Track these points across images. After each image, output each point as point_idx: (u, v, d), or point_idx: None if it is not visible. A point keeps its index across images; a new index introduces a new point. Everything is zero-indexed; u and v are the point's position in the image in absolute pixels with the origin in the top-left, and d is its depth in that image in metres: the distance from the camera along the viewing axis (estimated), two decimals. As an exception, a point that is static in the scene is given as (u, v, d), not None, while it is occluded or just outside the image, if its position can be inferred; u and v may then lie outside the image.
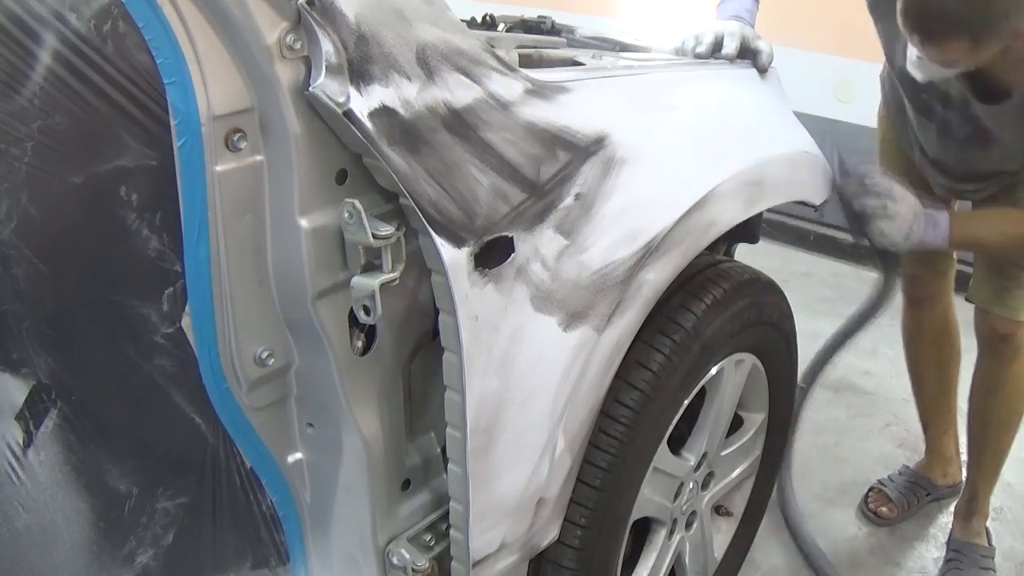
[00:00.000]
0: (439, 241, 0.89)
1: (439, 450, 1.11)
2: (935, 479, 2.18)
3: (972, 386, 1.95)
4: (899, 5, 1.34)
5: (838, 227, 2.51)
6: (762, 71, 1.49)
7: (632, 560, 1.47)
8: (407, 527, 1.09)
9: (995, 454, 1.96)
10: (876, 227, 1.51)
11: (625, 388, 1.21)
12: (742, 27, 1.51)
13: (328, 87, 0.80)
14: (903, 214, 1.50)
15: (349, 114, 0.81)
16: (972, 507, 2.00)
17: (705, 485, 1.54)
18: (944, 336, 2.08)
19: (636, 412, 1.22)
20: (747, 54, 1.50)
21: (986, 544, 1.98)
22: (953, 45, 1.32)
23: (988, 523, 2.02)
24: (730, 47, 1.47)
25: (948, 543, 2.01)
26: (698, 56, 1.47)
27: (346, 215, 0.86)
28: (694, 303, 1.30)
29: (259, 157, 0.84)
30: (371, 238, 0.86)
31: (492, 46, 0.99)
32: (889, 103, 1.86)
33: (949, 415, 2.17)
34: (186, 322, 0.89)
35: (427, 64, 0.88)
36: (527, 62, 1.34)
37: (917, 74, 1.44)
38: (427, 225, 0.88)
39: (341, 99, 0.81)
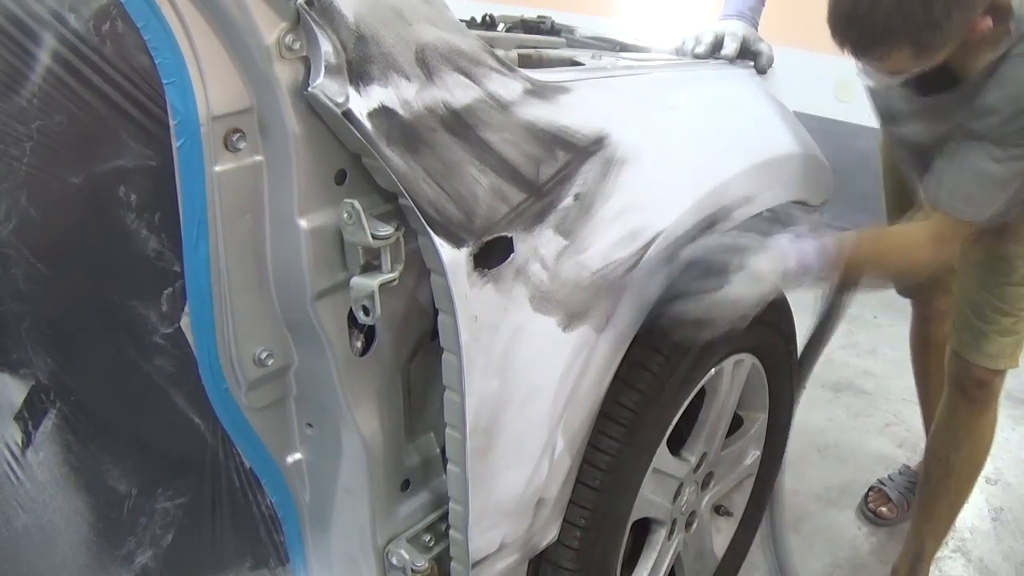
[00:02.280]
0: (438, 241, 0.89)
1: (438, 450, 1.11)
2: None
3: (935, 430, 1.80)
4: (828, 21, 1.21)
5: (838, 227, 2.44)
6: (762, 72, 1.47)
7: (632, 560, 1.47)
8: (406, 527, 1.09)
9: (950, 507, 1.83)
10: (744, 273, 1.18)
11: (625, 389, 1.21)
12: (744, 27, 1.47)
13: (327, 87, 0.80)
14: (768, 257, 1.20)
15: (348, 114, 0.81)
16: (916, 569, 1.87)
17: (705, 485, 1.54)
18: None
19: (636, 413, 1.22)
20: (747, 55, 1.47)
21: None
22: (892, 55, 1.20)
23: (988, 523, 2.02)
24: (730, 48, 1.44)
25: None
26: (697, 56, 1.45)
27: (345, 215, 0.86)
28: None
29: (258, 157, 0.84)
30: (370, 238, 0.86)
31: (491, 46, 0.99)
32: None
33: None
34: (185, 322, 0.89)
35: (426, 64, 0.88)
36: (527, 62, 1.34)
37: (866, 80, 1.36)
38: (426, 225, 0.88)
39: (340, 99, 0.81)
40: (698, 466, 1.48)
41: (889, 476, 2.21)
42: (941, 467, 1.78)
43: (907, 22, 1.14)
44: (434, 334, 0.98)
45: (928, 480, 1.83)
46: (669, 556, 1.51)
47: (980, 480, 1.85)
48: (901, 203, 1.78)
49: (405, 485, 1.08)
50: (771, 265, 1.20)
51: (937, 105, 1.40)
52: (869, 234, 1.41)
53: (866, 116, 1.71)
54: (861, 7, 1.16)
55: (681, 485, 1.45)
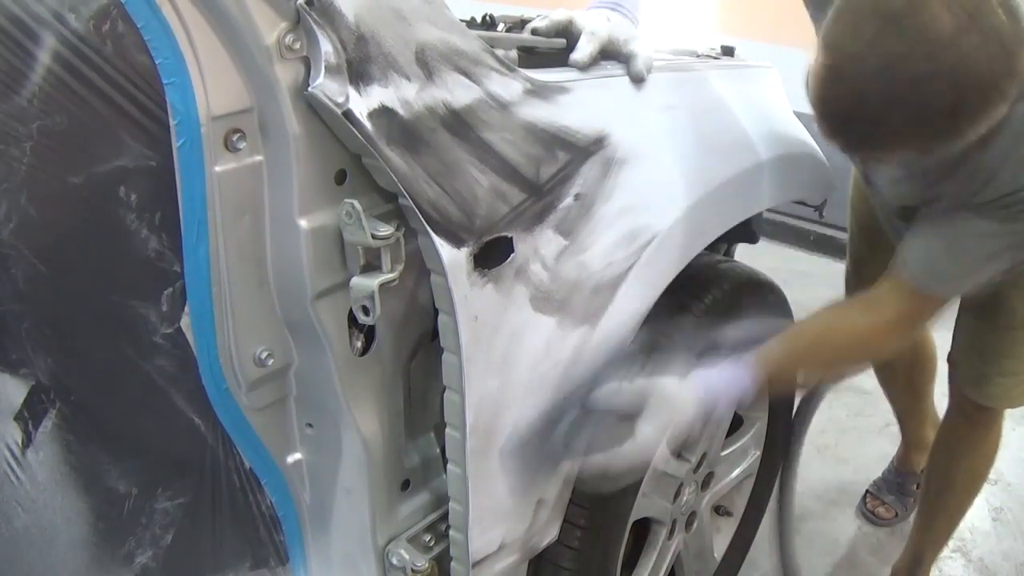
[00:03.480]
0: (438, 241, 0.89)
1: (439, 450, 1.11)
2: (919, 467, 2.08)
3: (937, 442, 1.76)
4: (813, 107, 0.98)
5: (838, 227, 2.41)
6: (636, 79, 1.16)
7: (632, 560, 1.47)
8: (407, 527, 1.09)
9: (949, 518, 1.80)
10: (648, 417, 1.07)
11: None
12: (614, 23, 1.15)
13: (327, 87, 0.80)
14: (677, 398, 1.08)
15: (348, 114, 0.81)
16: (915, 573, 1.84)
17: (705, 485, 1.54)
18: (917, 356, 1.90)
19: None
20: (617, 58, 1.16)
21: None
22: (895, 156, 1.05)
23: (988, 523, 2.02)
24: (584, 52, 1.11)
25: None
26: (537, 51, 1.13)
27: (345, 215, 0.86)
28: (693, 303, 1.30)
29: (258, 157, 0.84)
30: (370, 238, 0.86)
31: (491, 46, 0.99)
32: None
33: (925, 408, 2.04)
34: (185, 322, 0.89)
35: (426, 64, 0.88)
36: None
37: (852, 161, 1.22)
38: (426, 225, 0.88)
39: (340, 99, 0.81)
40: (698, 466, 1.48)
41: (882, 476, 2.20)
42: (940, 480, 1.75)
43: (922, 129, 0.93)
44: (434, 334, 0.98)
45: (928, 491, 1.80)
46: (669, 556, 1.51)
47: (980, 480, 1.84)
48: (871, 239, 1.66)
49: (405, 485, 1.08)
50: (682, 407, 1.08)
51: (925, 167, 1.16)
52: (804, 335, 1.22)
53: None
54: (866, 107, 0.93)
55: (681, 485, 1.45)
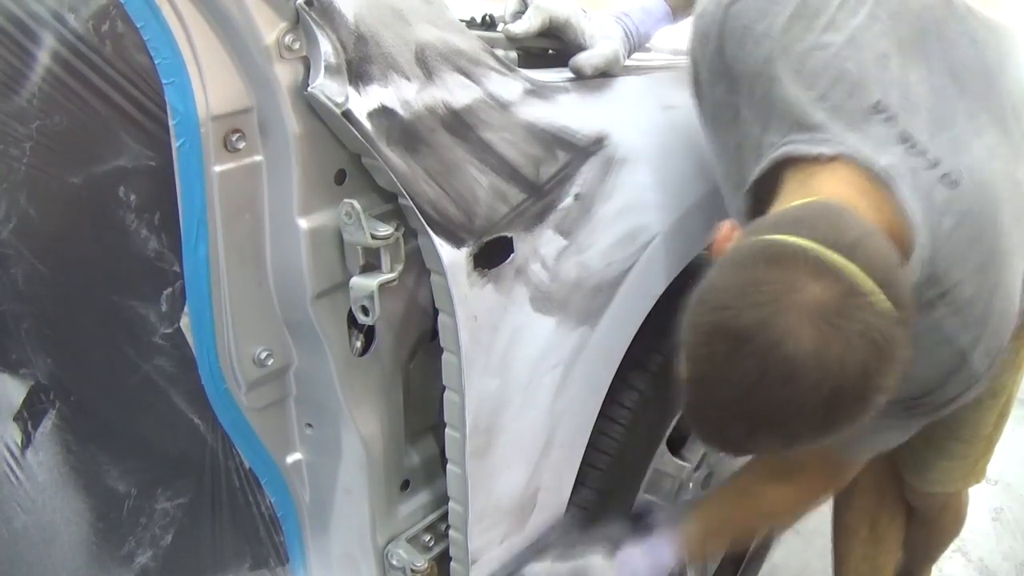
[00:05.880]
0: (438, 241, 0.89)
1: (438, 451, 1.11)
2: None
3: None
4: (686, 405, 0.85)
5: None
6: (578, 73, 1.11)
7: (632, 560, 1.47)
8: (406, 527, 1.09)
9: (931, 561, 1.80)
10: None
11: (625, 389, 1.21)
12: (577, 13, 1.12)
13: (327, 87, 0.80)
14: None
15: (348, 114, 0.81)
16: (912, 573, 1.80)
17: (705, 485, 1.54)
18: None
19: (635, 413, 1.22)
20: (571, 45, 1.12)
21: None
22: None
23: (988, 523, 2.02)
24: (524, 25, 1.09)
25: None
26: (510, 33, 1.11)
27: (345, 215, 0.86)
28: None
29: (258, 157, 0.84)
30: (370, 238, 0.86)
31: (491, 46, 0.99)
32: None
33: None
34: (185, 323, 0.89)
35: (426, 64, 0.88)
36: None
37: None
38: (426, 225, 0.88)
39: (340, 99, 0.81)
40: (698, 466, 1.48)
41: None
42: (919, 534, 1.69)
43: (795, 442, 0.83)
44: (434, 334, 0.98)
45: (909, 540, 1.71)
46: (669, 556, 1.51)
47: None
48: None
49: (405, 485, 1.08)
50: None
51: None
52: (725, 506, 1.21)
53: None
54: (733, 429, 0.82)
55: (681, 485, 1.45)
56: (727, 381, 0.78)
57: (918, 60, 0.95)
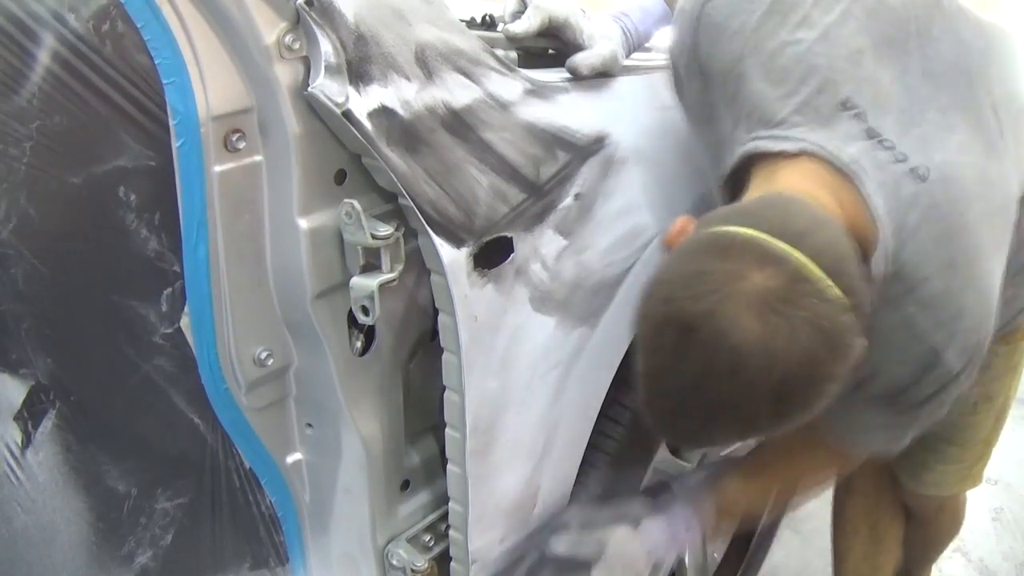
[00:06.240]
0: (438, 241, 0.89)
1: (438, 451, 1.11)
2: None
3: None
4: (642, 398, 0.86)
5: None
6: (574, 73, 1.10)
7: (632, 560, 1.47)
8: (406, 527, 1.09)
9: (928, 561, 1.79)
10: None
11: (624, 389, 1.21)
12: (576, 13, 1.11)
13: (327, 87, 0.80)
14: (632, 549, 1.12)
15: (348, 114, 0.81)
16: (911, 573, 1.78)
17: (705, 485, 1.54)
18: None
19: (635, 413, 1.21)
20: (569, 46, 1.12)
21: None
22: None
23: (988, 523, 2.02)
24: (524, 25, 1.08)
25: None
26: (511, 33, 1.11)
27: (345, 215, 0.86)
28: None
29: (258, 157, 0.84)
30: (370, 238, 0.86)
31: (491, 46, 0.99)
32: None
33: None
34: (185, 322, 0.89)
35: (426, 64, 0.88)
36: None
37: None
38: (426, 225, 0.88)
39: (340, 99, 0.81)
40: (698, 466, 1.48)
41: None
42: (917, 535, 1.68)
43: (749, 430, 0.89)
44: (434, 334, 0.98)
45: (907, 542, 1.69)
46: (669, 556, 1.51)
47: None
48: None
49: (405, 485, 1.08)
50: (634, 563, 1.11)
51: None
52: (755, 472, 1.21)
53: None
54: (685, 418, 0.83)
55: (681, 485, 1.45)
56: (676, 372, 0.79)
57: (894, 57, 0.95)
